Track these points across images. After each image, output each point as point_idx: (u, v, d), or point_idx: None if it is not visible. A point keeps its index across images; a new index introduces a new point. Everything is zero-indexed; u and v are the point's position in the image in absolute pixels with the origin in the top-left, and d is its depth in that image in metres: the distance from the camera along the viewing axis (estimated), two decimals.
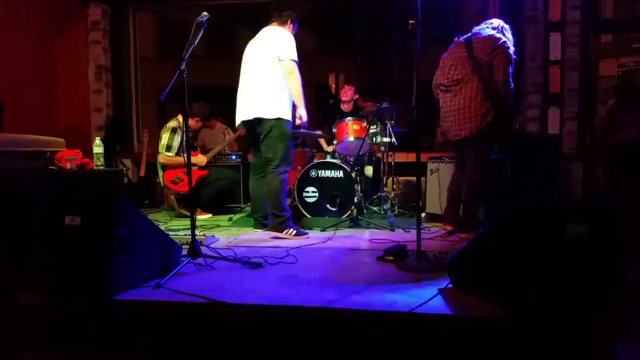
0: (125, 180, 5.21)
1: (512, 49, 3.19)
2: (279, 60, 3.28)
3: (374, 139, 4.31)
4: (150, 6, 6.54)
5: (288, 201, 4.57)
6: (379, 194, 4.48)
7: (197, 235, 2.67)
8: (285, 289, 2.11)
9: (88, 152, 3.98)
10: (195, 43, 2.58)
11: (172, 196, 4.56)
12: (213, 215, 4.62)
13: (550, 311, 1.67)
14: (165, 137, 4.49)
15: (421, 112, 2.70)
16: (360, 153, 4.21)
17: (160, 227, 2.45)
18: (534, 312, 1.67)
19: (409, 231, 3.59)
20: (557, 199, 2.15)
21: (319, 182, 4.20)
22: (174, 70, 2.48)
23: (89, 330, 1.90)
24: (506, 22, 3.31)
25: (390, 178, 4.76)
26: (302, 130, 4.26)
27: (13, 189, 2.78)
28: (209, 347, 1.83)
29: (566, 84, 4.92)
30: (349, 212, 4.02)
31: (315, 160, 4.48)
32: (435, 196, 4.17)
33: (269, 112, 3.31)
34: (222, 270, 2.45)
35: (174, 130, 4.50)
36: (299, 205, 4.19)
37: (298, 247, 3.04)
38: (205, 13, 2.62)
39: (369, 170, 4.93)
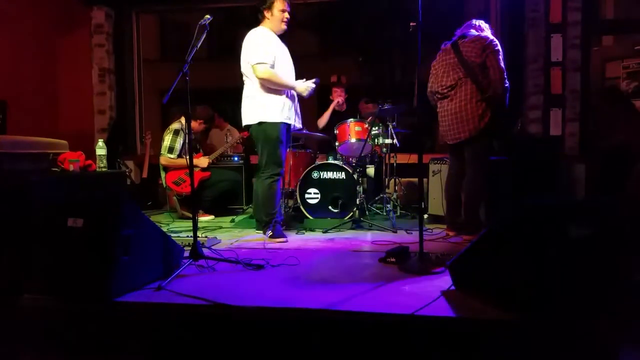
0: (128, 181, 5.22)
1: (499, 46, 3.19)
2: (251, 66, 3.31)
3: (376, 140, 4.32)
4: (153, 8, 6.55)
5: (290, 202, 4.60)
6: (381, 195, 4.48)
7: (199, 236, 2.67)
8: (287, 290, 2.11)
9: (91, 154, 4.00)
10: (198, 46, 2.59)
11: (175, 198, 4.57)
12: (215, 216, 4.63)
13: (553, 313, 1.66)
14: (167, 139, 4.50)
15: (423, 114, 2.68)
16: (362, 154, 4.21)
17: (162, 228, 2.45)
18: (537, 314, 1.66)
19: (411, 233, 3.59)
20: (559, 200, 2.14)
21: (321, 184, 4.20)
22: (176, 73, 2.49)
23: (90, 332, 1.90)
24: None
25: (393, 179, 4.75)
26: (303, 132, 4.27)
27: (16, 191, 2.80)
28: (211, 349, 1.83)
29: (568, 86, 4.91)
30: (351, 213, 4.02)
31: (317, 162, 4.48)
32: (438, 198, 4.16)
33: (251, 118, 3.39)
34: (224, 272, 2.45)
35: (176, 132, 4.52)
36: (301, 207, 4.19)
37: (300, 249, 3.04)
38: (208, 16, 2.63)
39: (371, 172, 4.94)
